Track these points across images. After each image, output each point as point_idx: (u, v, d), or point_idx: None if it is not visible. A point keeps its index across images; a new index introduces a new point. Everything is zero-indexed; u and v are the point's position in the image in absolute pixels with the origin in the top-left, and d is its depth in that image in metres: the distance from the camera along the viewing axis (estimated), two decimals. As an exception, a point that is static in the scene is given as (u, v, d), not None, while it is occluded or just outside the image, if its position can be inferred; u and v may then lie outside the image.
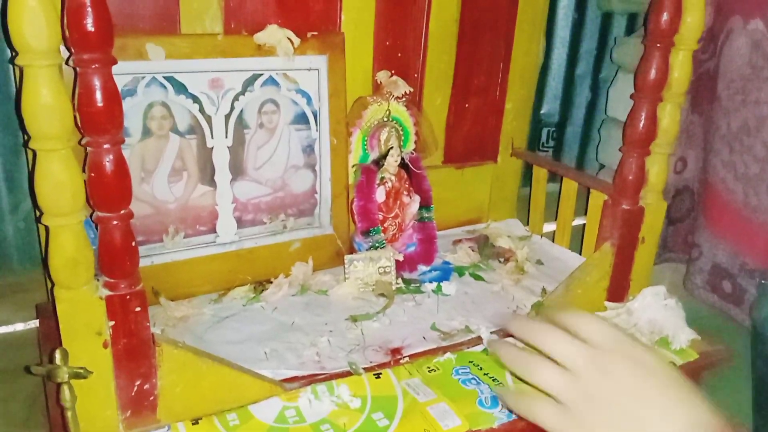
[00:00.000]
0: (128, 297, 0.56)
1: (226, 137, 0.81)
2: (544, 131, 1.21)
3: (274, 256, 0.87)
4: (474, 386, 0.69)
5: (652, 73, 0.79)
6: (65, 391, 0.54)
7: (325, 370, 0.70)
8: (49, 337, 0.68)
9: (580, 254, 0.97)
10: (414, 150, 0.94)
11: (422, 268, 0.93)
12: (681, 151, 1.11)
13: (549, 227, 1.07)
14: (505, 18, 0.99)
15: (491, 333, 0.78)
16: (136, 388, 0.59)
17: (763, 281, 0.99)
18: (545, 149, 1.22)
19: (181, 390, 0.61)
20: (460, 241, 1.02)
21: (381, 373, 0.70)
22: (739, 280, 1.04)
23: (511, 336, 0.48)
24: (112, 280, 0.56)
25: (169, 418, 0.61)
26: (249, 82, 0.81)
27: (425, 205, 0.94)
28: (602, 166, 1.21)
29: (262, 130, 0.84)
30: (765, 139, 0.97)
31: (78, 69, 0.51)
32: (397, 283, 0.88)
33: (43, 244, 0.68)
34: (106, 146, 0.53)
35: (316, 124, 0.87)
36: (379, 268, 0.87)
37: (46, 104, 0.49)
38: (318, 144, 0.88)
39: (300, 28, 0.82)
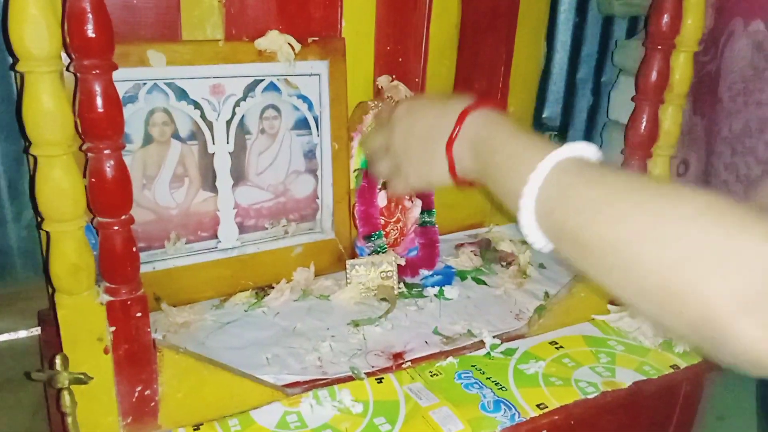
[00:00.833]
0: (129, 303, 0.56)
1: (228, 143, 0.81)
2: (546, 135, 1.21)
3: (275, 261, 0.87)
4: (476, 391, 0.69)
5: (653, 76, 0.79)
6: (65, 397, 0.54)
7: (327, 375, 0.70)
8: (51, 343, 0.68)
9: (583, 258, 0.96)
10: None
11: (424, 272, 0.93)
12: (683, 154, 1.11)
13: (552, 231, 1.07)
14: (506, 22, 0.99)
15: (494, 337, 0.77)
16: (137, 394, 0.59)
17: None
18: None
19: (183, 396, 0.61)
20: (462, 245, 1.02)
21: (383, 378, 0.70)
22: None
23: None
24: (113, 286, 0.56)
25: (170, 424, 0.61)
26: (250, 88, 0.81)
27: (427, 209, 0.94)
28: (605, 170, 1.21)
29: (263, 135, 0.84)
30: (767, 141, 0.97)
31: (79, 75, 0.51)
32: (399, 288, 0.88)
33: (44, 250, 0.68)
34: (106, 152, 0.53)
35: (318, 130, 0.88)
36: (381, 272, 0.87)
37: (47, 110, 0.50)
38: (319, 149, 0.88)
39: (301, 35, 0.82)
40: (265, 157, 0.85)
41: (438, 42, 0.95)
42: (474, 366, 0.73)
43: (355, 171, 0.91)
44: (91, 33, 0.50)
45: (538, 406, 0.67)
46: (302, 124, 0.86)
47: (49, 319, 0.74)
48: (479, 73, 1.01)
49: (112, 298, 0.56)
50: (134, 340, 0.57)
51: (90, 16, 0.50)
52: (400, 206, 0.92)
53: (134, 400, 0.59)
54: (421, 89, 0.96)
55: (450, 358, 0.74)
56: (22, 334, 0.84)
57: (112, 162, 0.53)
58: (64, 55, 0.51)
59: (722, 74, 1.01)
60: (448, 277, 0.92)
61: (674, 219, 0.38)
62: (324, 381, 0.69)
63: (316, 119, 0.87)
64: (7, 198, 0.82)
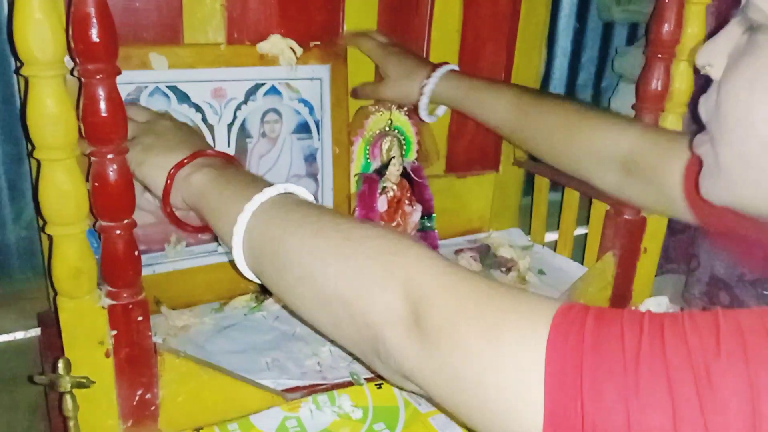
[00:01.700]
0: (130, 306, 0.56)
1: (229, 146, 0.81)
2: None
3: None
4: (476, 396, 0.69)
5: (654, 84, 0.79)
6: (68, 401, 0.54)
7: (326, 381, 0.70)
8: (51, 346, 0.68)
9: (582, 264, 0.96)
10: (415, 159, 0.94)
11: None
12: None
13: (551, 237, 1.07)
14: (507, 28, 1.00)
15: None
16: (137, 398, 0.59)
17: (765, 292, 0.99)
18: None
19: (183, 400, 0.61)
20: (461, 250, 1.02)
21: (382, 384, 0.70)
22: (736, 291, 1.04)
23: None
24: (115, 290, 0.56)
25: (170, 427, 0.61)
26: (251, 92, 0.81)
27: (427, 214, 0.94)
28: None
29: (264, 139, 0.84)
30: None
31: (83, 79, 0.51)
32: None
33: (45, 254, 0.68)
34: (109, 156, 0.53)
35: (318, 134, 0.88)
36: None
37: (51, 114, 0.49)
38: (320, 153, 0.88)
39: (302, 38, 0.82)
40: (266, 160, 0.85)
41: (439, 47, 0.95)
42: (473, 372, 0.73)
43: (355, 175, 0.91)
44: (95, 37, 0.50)
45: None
46: (303, 128, 0.87)
47: (49, 321, 0.74)
48: (480, 79, 1.01)
49: (113, 302, 0.56)
50: (135, 343, 0.57)
51: (94, 20, 0.49)
52: (400, 211, 0.92)
53: (135, 403, 0.59)
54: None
55: (449, 364, 0.74)
56: (20, 335, 0.84)
57: (115, 166, 0.53)
58: (67, 59, 0.51)
59: (722, 82, 1.01)
60: (447, 282, 0.92)
61: (344, 243, 0.46)
62: (324, 386, 0.69)
63: (317, 123, 0.87)
64: (7, 198, 0.82)
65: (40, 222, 0.60)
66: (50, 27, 0.48)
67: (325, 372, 0.72)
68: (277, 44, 0.80)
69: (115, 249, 0.55)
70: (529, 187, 1.10)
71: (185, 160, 0.60)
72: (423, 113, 0.88)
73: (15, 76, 0.76)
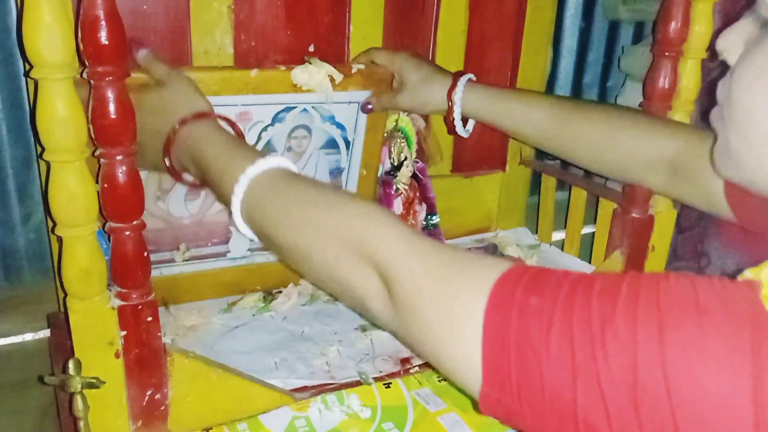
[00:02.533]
0: (140, 307, 0.57)
1: None
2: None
3: (284, 269, 0.85)
4: (484, 396, 0.69)
5: (661, 82, 0.79)
6: (78, 401, 0.55)
7: (335, 380, 0.70)
8: (61, 347, 0.69)
9: (590, 263, 0.96)
10: (417, 159, 0.94)
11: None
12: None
13: (558, 236, 1.07)
14: (513, 28, 1.00)
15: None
16: (147, 398, 0.59)
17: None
18: (554, 158, 1.21)
19: (192, 400, 0.62)
20: (469, 250, 1.02)
21: (391, 383, 0.70)
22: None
23: None
24: (125, 291, 0.56)
25: (179, 427, 0.61)
26: (280, 114, 0.77)
27: (430, 212, 0.94)
28: (611, 175, 1.21)
29: (289, 153, 0.81)
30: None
31: (92, 82, 0.52)
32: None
33: (55, 255, 0.68)
34: (119, 158, 0.53)
35: (348, 153, 0.84)
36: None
37: (61, 117, 0.50)
38: (346, 172, 0.86)
39: (308, 40, 0.82)
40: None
41: (445, 48, 0.95)
42: (481, 371, 0.73)
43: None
44: (104, 40, 0.50)
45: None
46: (332, 144, 0.83)
47: (58, 323, 0.75)
48: (486, 79, 1.00)
49: (123, 303, 0.56)
50: (145, 344, 0.58)
51: (103, 23, 0.50)
52: (411, 210, 0.93)
53: (144, 403, 0.59)
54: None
55: (457, 364, 0.74)
56: (29, 336, 0.84)
57: (124, 168, 0.54)
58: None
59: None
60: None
61: (330, 226, 0.51)
62: (332, 386, 0.69)
63: (347, 143, 0.84)
64: (16, 201, 0.82)
65: (50, 223, 0.61)
66: (59, 30, 0.48)
67: (334, 372, 0.72)
68: (314, 76, 0.74)
69: (125, 250, 0.56)
70: (535, 187, 1.10)
71: (189, 117, 0.62)
72: (458, 125, 0.84)
73: (24, 79, 0.77)
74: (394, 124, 0.90)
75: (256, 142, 0.78)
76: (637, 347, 0.36)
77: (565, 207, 1.02)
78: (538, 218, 1.09)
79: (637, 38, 1.20)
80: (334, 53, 0.86)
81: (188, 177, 0.65)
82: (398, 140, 0.90)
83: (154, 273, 0.73)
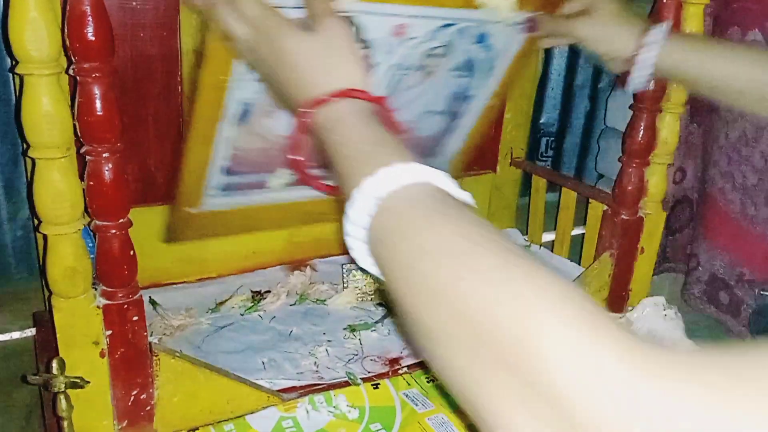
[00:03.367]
0: (126, 306, 0.56)
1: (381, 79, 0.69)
2: (543, 141, 1.21)
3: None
4: (473, 397, 0.69)
5: (652, 84, 0.79)
6: (62, 401, 0.54)
7: (323, 381, 0.70)
8: (46, 346, 0.68)
9: (579, 264, 0.96)
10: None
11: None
12: (680, 162, 1.11)
13: (548, 237, 1.07)
14: (505, 28, 0.99)
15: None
16: (132, 398, 0.59)
17: (763, 292, 0.99)
18: (544, 159, 1.22)
19: (178, 400, 0.61)
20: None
21: (379, 384, 0.70)
22: (736, 291, 1.04)
23: None
24: (110, 289, 0.56)
25: (165, 428, 0.61)
26: (435, 31, 0.68)
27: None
28: (601, 176, 1.21)
29: (418, 72, 0.71)
30: (763, 150, 0.97)
31: (78, 78, 0.51)
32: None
33: (40, 253, 0.67)
34: (105, 155, 0.53)
35: (485, 78, 0.74)
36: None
37: (47, 113, 0.49)
38: (473, 99, 0.77)
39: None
40: (410, 92, 0.73)
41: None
42: (470, 372, 0.73)
43: None
44: (91, 36, 0.50)
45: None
46: (467, 67, 0.73)
47: (44, 321, 0.74)
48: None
49: (108, 302, 0.56)
50: (130, 343, 0.57)
51: (90, 19, 0.49)
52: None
53: (130, 404, 0.59)
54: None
55: (446, 364, 0.74)
56: (15, 335, 0.84)
57: (110, 165, 0.53)
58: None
59: (719, 83, 1.01)
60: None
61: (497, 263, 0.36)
62: (320, 386, 0.69)
63: (489, 67, 0.74)
64: (3, 198, 0.81)
65: (35, 221, 0.60)
66: (46, 25, 0.48)
67: (322, 372, 0.71)
68: None
69: (110, 248, 0.55)
70: (526, 188, 1.10)
71: (332, 96, 0.48)
72: (640, 74, 0.71)
73: (11, 75, 0.76)
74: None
75: (396, 62, 0.68)
76: None
77: (555, 208, 1.02)
78: (528, 219, 1.09)
79: (628, 40, 1.20)
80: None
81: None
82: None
83: (244, 201, 0.69)
